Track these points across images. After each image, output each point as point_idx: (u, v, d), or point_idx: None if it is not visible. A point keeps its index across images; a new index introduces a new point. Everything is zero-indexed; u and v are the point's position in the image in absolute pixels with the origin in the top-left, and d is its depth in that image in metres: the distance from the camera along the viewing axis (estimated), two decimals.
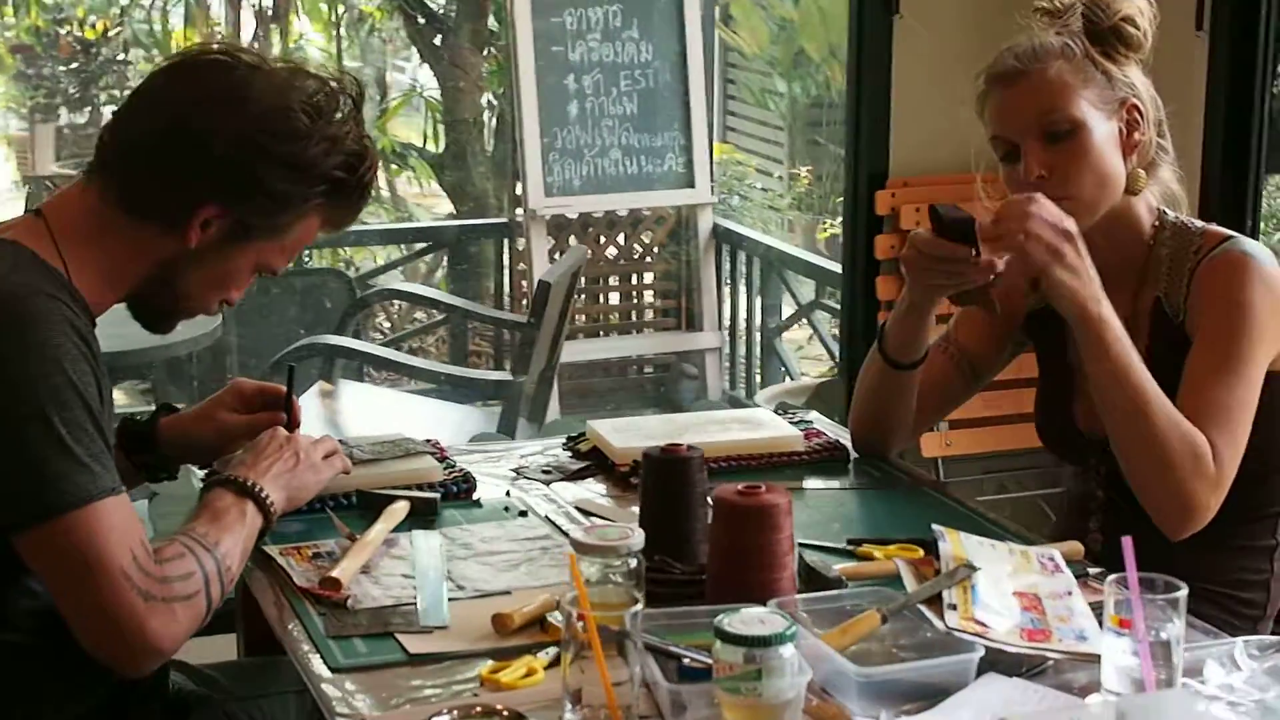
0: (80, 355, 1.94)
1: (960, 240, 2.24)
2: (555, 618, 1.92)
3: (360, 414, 4.79)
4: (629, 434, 2.59)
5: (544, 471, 2.56)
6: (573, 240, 6.39)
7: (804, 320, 6.47)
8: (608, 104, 6.29)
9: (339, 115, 2.09)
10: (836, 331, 5.40)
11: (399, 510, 2.29)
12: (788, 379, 6.37)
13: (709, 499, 2.08)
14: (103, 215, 2.05)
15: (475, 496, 2.43)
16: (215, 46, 2.11)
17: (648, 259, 6.70)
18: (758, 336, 6.53)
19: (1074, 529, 2.47)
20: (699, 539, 2.12)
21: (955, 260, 2.26)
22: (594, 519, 2.34)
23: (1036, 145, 2.34)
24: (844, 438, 2.67)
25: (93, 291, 2.04)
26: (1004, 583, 2.00)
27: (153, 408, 2.46)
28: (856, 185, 4.23)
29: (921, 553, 2.16)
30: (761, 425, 2.66)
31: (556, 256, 6.06)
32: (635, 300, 6.74)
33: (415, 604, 2.03)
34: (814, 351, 6.93)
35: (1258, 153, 3.88)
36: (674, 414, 2.79)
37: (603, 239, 6.62)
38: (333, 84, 2.11)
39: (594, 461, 2.58)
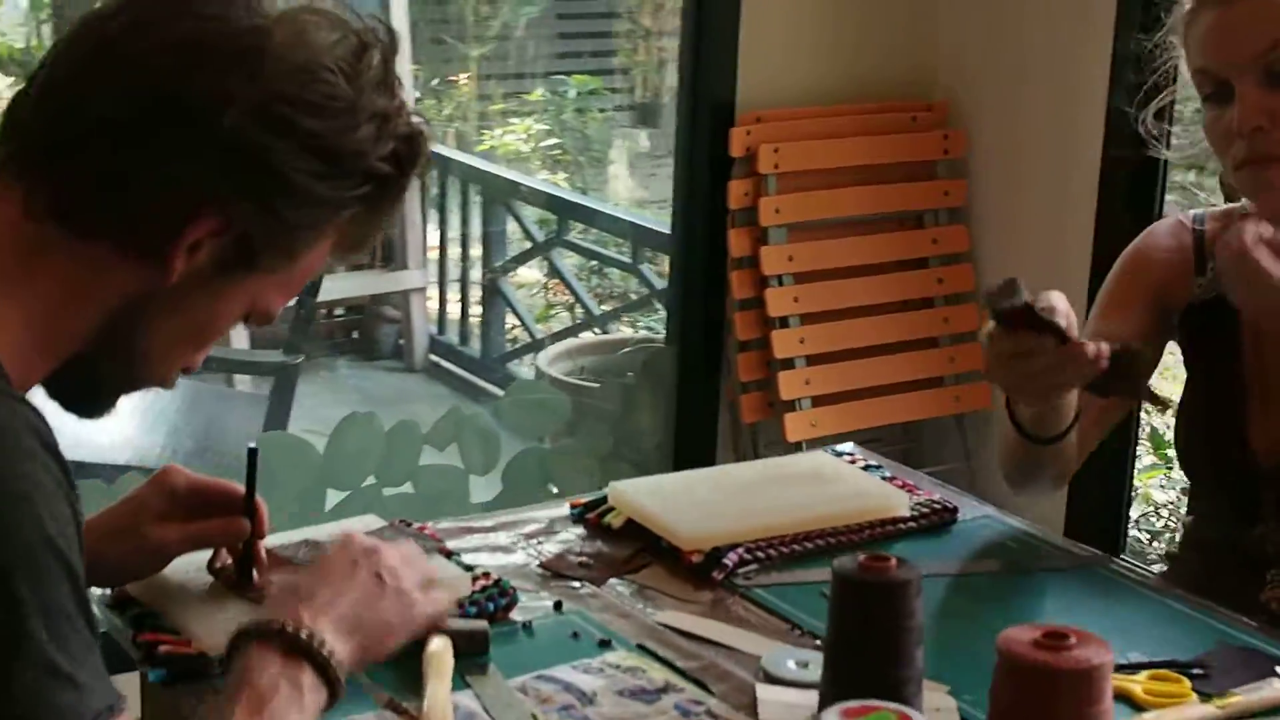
0: (55, 486, 1.21)
1: (1029, 328, 1.68)
2: None
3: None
4: (679, 503, 1.91)
5: (582, 565, 1.85)
6: None
7: (542, 260, 5.78)
8: None
9: (375, 77, 1.34)
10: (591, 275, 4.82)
11: (444, 656, 1.55)
12: (523, 330, 5.69)
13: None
14: (27, 238, 1.28)
15: (514, 615, 1.71)
16: None
17: None
18: (476, 276, 5.80)
19: (1230, 586, 1.91)
20: (914, 687, 1.49)
21: (1030, 355, 1.69)
22: (705, 642, 1.67)
23: (1256, 86, 1.81)
24: (949, 493, 2.04)
25: (16, 360, 1.27)
26: None
27: None
28: (696, 121, 3.58)
29: (1188, 685, 1.58)
30: (841, 479, 2.01)
31: None
32: None
33: None
34: (559, 298, 6.23)
35: None
36: (717, 469, 2.07)
37: None
38: (356, 29, 1.35)
39: (641, 544, 1.89)
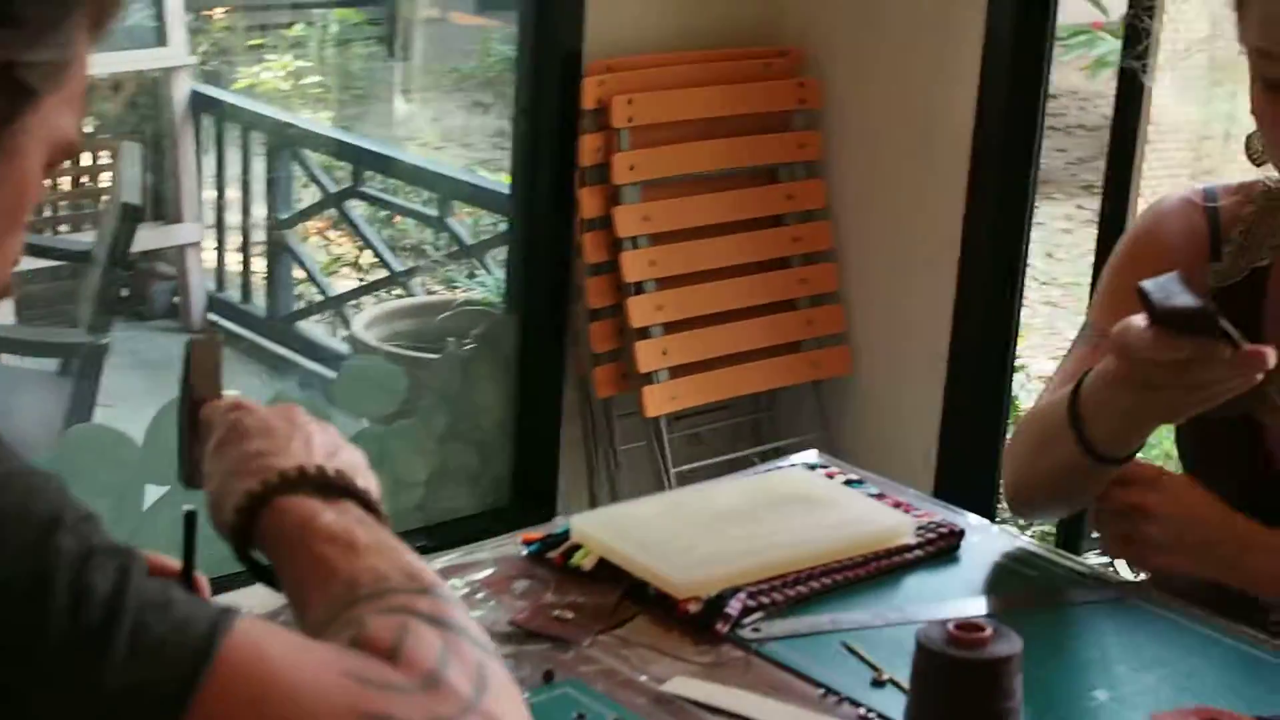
0: None
1: (1201, 333, 1.45)
2: None
3: None
4: (658, 539, 1.65)
5: (559, 620, 1.56)
6: None
7: (334, 212, 5.39)
8: None
9: None
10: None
11: None
12: (315, 287, 5.30)
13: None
14: None
15: None
16: None
17: (102, 135, 5.39)
18: (260, 232, 5.38)
19: (1240, 605, 1.72)
20: None
21: (1204, 363, 1.47)
22: (728, 716, 1.41)
23: None
24: (948, 513, 1.81)
25: None
26: None
27: None
28: (541, 68, 3.28)
29: None
30: (836, 503, 1.75)
31: None
32: (91, 185, 5.43)
33: None
34: (352, 253, 5.83)
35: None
36: (686, 493, 1.80)
37: None
38: None
39: (622, 588, 1.61)
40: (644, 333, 3.30)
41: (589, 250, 3.28)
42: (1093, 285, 3.16)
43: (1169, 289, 1.47)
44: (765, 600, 1.59)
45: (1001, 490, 1.80)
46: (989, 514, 3.40)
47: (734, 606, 1.56)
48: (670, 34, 3.38)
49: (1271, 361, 1.46)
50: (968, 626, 1.28)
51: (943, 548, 1.72)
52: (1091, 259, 3.21)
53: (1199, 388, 1.50)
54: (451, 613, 0.98)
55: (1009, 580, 1.69)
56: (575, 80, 3.23)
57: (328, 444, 1.16)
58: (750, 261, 3.46)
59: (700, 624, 1.55)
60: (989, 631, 1.27)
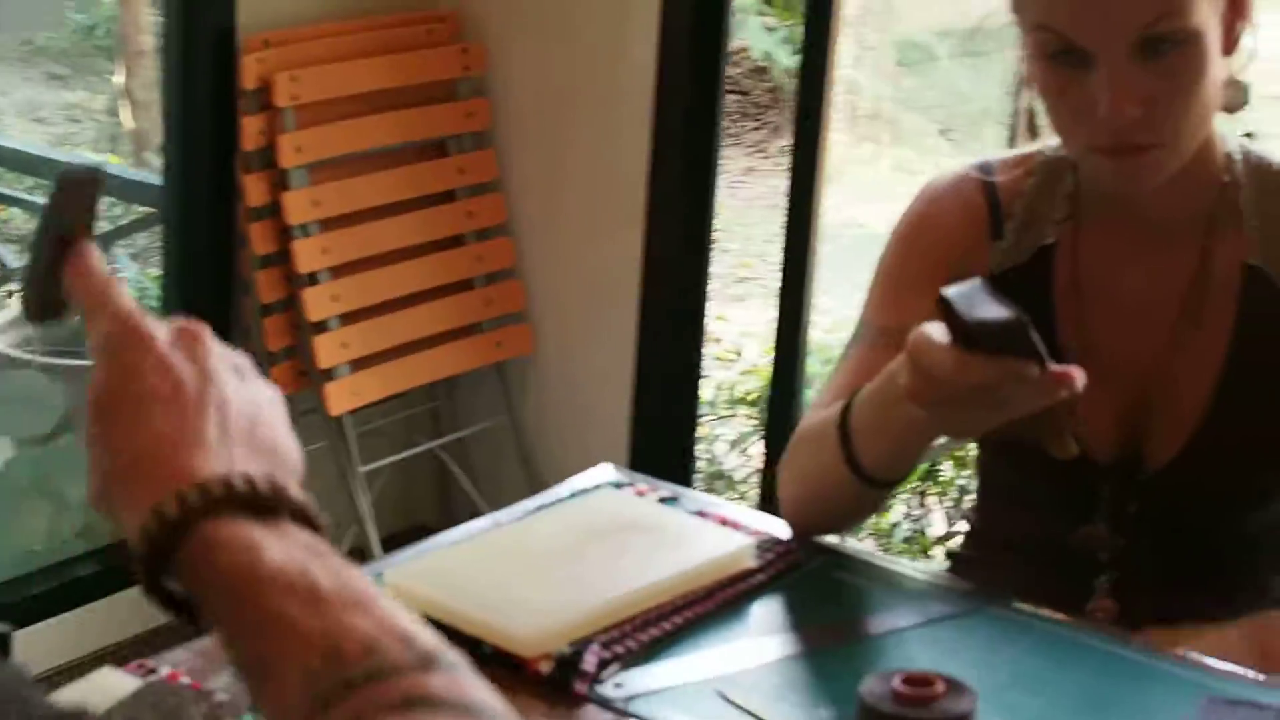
0: None
1: (1009, 351, 1.33)
2: None
3: None
4: (485, 588, 1.46)
5: None
6: None
7: None
8: None
9: None
10: None
11: None
12: None
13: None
14: None
15: None
16: None
17: None
18: None
19: (1059, 590, 1.65)
20: None
21: (1011, 383, 1.35)
22: None
23: (1128, 62, 1.50)
24: (770, 527, 1.67)
25: None
26: None
27: None
28: (191, 47, 3.01)
29: None
30: (665, 528, 1.59)
31: None
32: None
33: None
34: None
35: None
36: (497, 529, 1.62)
37: None
38: None
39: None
40: (321, 326, 3.07)
41: (256, 241, 3.03)
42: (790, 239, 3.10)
43: (973, 298, 1.35)
44: (619, 649, 1.42)
45: (781, 511, 1.67)
46: (686, 483, 3.32)
47: (590, 661, 1.39)
48: (329, 4, 3.14)
49: (1080, 384, 1.36)
50: (916, 681, 1.15)
51: (783, 569, 1.58)
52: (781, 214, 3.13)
53: (999, 407, 1.38)
54: (471, 691, 0.78)
55: (858, 597, 1.57)
56: (230, 58, 2.96)
57: (246, 414, 0.93)
58: (426, 241, 3.26)
59: (555, 685, 1.38)
60: (940, 687, 1.14)
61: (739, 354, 4.29)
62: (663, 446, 3.29)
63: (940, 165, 7.34)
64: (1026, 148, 1.78)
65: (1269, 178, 1.66)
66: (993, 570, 1.75)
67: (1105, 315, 1.68)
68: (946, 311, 1.33)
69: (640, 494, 1.69)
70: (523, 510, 1.67)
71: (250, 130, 2.98)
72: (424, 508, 3.55)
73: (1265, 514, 1.70)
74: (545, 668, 1.39)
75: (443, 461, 3.43)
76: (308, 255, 3.04)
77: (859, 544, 1.90)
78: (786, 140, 3.13)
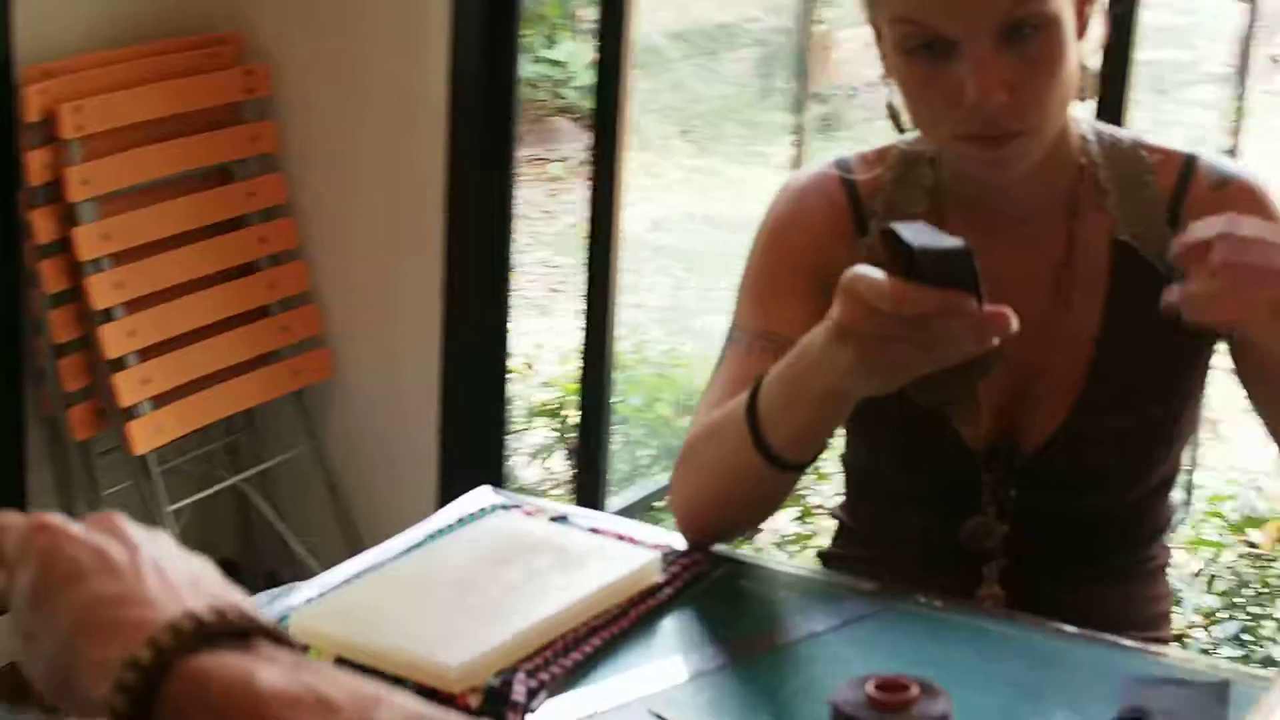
0: None
1: (952, 284, 1.32)
2: None
3: None
4: (396, 620, 1.42)
5: None
6: None
7: None
8: None
9: None
10: None
11: None
12: None
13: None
14: None
15: None
16: None
17: None
18: None
19: (945, 581, 1.68)
20: None
21: (954, 317, 1.33)
22: None
23: (992, 50, 1.52)
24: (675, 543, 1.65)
25: None
26: None
27: None
28: None
29: None
30: (569, 548, 1.56)
31: None
32: None
33: None
34: None
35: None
36: (393, 559, 1.58)
37: None
38: None
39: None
40: (119, 363, 2.96)
41: (47, 279, 2.91)
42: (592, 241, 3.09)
43: (918, 232, 1.33)
44: (545, 676, 1.39)
45: (675, 519, 1.66)
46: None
47: (519, 691, 1.36)
48: (108, 30, 3.03)
49: (1014, 326, 1.34)
50: (889, 685, 1.14)
51: (689, 581, 1.57)
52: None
53: (929, 348, 1.34)
54: None
55: (768, 604, 1.57)
56: (9, 90, 2.84)
57: (182, 569, 0.88)
58: (219, 270, 3.17)
59: (485, 717, 1.35)
60: (915, 690, 1.14)
61: (530, 365, 4.27)
62: (473, 464, 3.25)
63: (683, 166, 7.38)
64: (880, 144, 1.80)
65: (1121, 154, 1.70)
66: (871, 566, 1.75)
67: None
68: (890, 243, 1.33)
69: (529, 514, 1.66)
70: (409, 540, 1.62)
71: (35, 165, 2.86)
72: (228, 543, 3.45)
73: (1141, 487, 1.74)
74: (474, 701, 1.35)
75: (245, 495, 3.34)
76: (101, 291, 2.93)
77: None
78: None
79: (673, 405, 3.73)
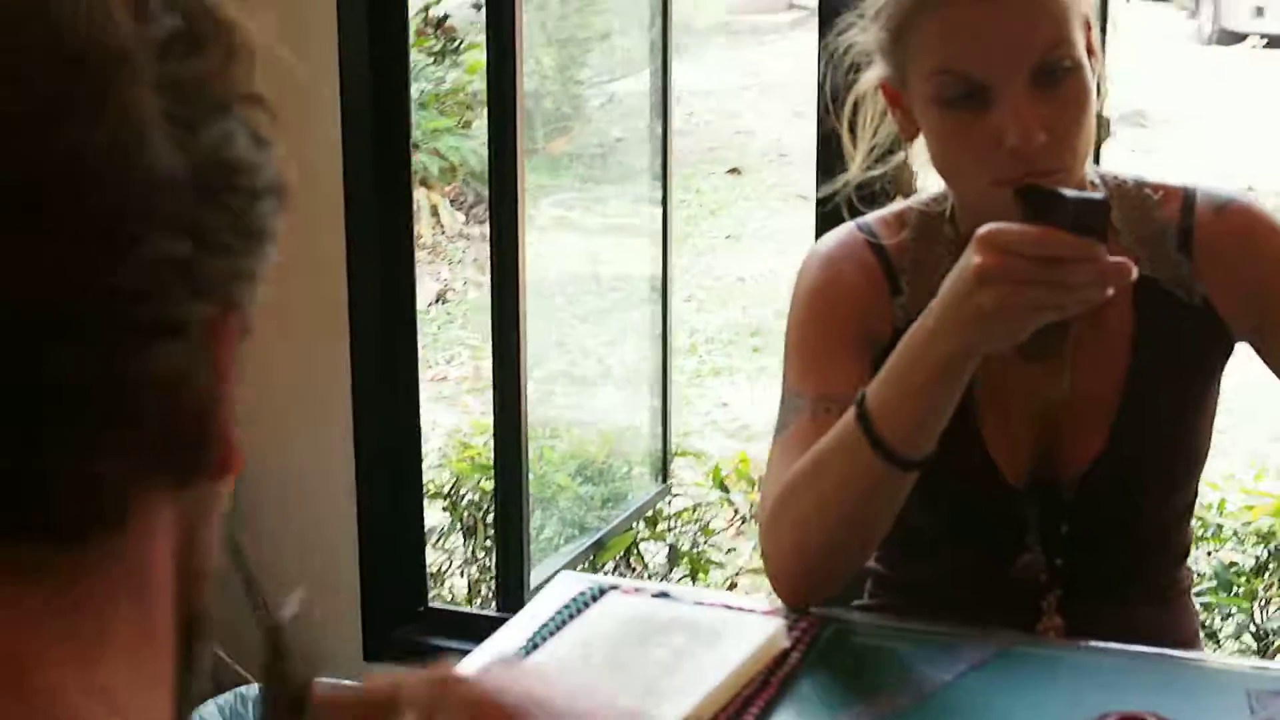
0: None
1: (1089, 231, 1.45)
2: None
3: None
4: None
5: None
6: None
7: None
8: None
9: None
10: None
11: None
12: None
13: None
14: None
15: None
16: None
17: None
18: None
19: (1004, 620, 1.74)
20: None
21: (1087, 262, 1.45)
22: None
23: (1027, 93, 1.60)
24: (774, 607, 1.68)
25: None
26: None
27: None
28: None
29: None
30: (699, 627, 1.57)
31: None
32: None
33: None
34: None
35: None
36: (546, 647, 1.59)
37: None
38: None
39: None
40: None
41: None
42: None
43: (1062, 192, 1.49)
44: None
45: (772, 583, 1.70)
46: (423, 591, 3.26)
47: None
48: None
49: (1134, 275, 1.46)
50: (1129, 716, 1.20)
51: (810, 643, 1.61)
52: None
53: (1063, 292, 1.45)
54: None
55: (888, 658, 1.61)
56: None
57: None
58: None
59: None
60: None
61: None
62: (391, 563, 3.23)
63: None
64: (894, 206, 1.86)
65: (1127, 193, 1.79)
66: (919, 610, 1.81)
67: (1007, 349, 1.77)
68: (1035, 197, 1.47)
69: (629, 594, 1.68)
70: (520, 632, 1.62)
71: None
72: None
73: (1173, 508, 1.83)
74: None
75: None
76: None
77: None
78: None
79: (570, 472, 3.74)
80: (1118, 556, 1.80)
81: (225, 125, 0.60)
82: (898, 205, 1.85)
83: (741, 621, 1.60)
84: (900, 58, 1.67)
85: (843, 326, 1.77)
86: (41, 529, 0.58)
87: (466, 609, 3.63)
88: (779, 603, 1.69)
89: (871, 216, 1.84)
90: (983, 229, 1.47)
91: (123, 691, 0.59)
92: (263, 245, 0.62)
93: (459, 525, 3.75)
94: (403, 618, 3.23)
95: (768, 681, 1.52)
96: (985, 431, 1.75)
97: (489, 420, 3.20)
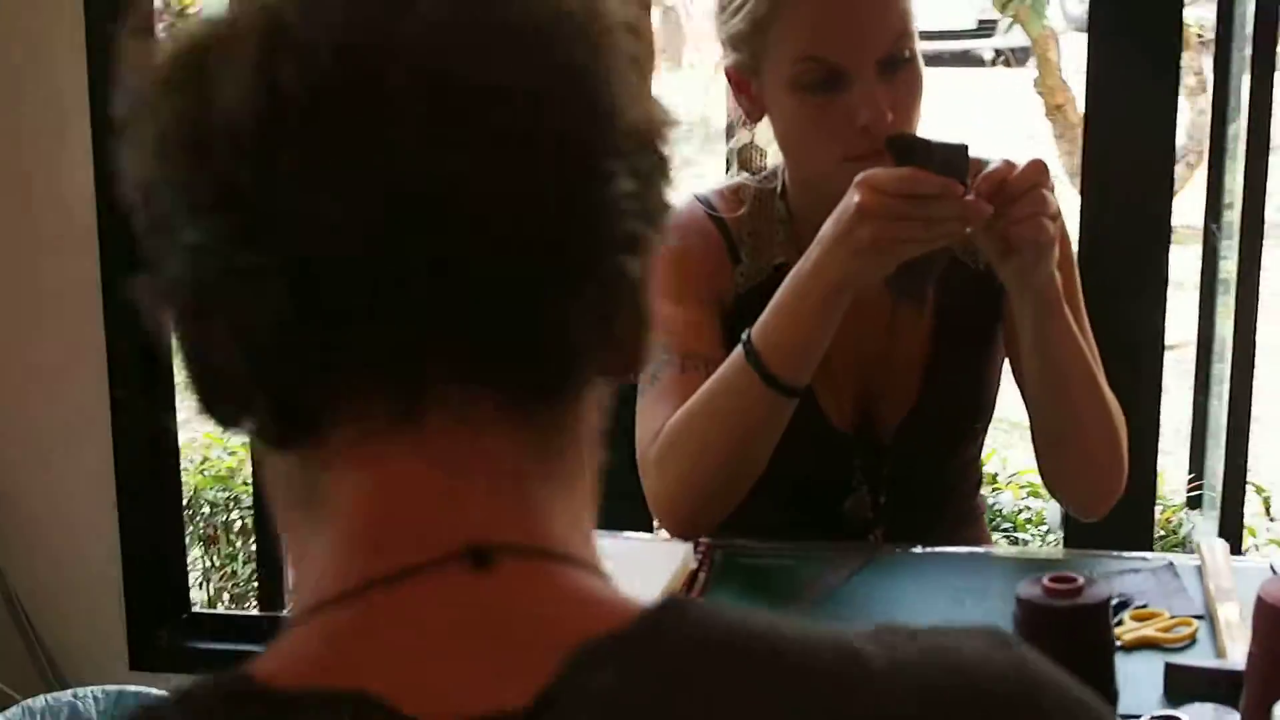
0: None
1: (951, 175, 1.69)
2: None
3: None
4: None
5: None
6: None
7: None
8: None
9: None
10: None
11: None
12: None
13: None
14: None
15: None
16: None
17: None
18: None
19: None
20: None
21: (952, 200, 1.68)
22: None
23: (877, 78, 1.83)
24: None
25: None
26: None
27: None
28: None
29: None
30: (613, 558, 1.73)
31: None
32: None
33: None
34: None
35: None
36: None
37: None
38: None
39: None
40: None
41: None
42: None
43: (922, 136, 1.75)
44: None
45: (661, 519, 1.87)
46: (185, 598, 3.29)
47: None
48: None
49: (988, 212, 1.68)
50: (1061, 580, 1.41)
51: (710, 565, 1.79)
52: None
53: (931, 227, 1.68)
54: None
55: (784, 574, 1.80)
56: None
57: None
58: None
59: None
60: (1081, 580, 1.41)
61: None
62: (155, 574, 3.25)
63: None
64: (729, 181, 2.05)
65: None
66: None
67: (878, 281, 1.88)
68: (904, 144, 1.70)
69: None
70: None
71: None
72: None
73: (974, 448, 2.09)
74: None
75: None
76: None
77: None
78: None
79: None
80: (930, 491, 2.04)
81: (651, 90, 0.77)
82: (733, 180, 2.04)
83: (654, 549, 1.77)
84: (756, 47, 1.85)
85: (696, 292, 1.94)
86: (538, 386, 0.75)
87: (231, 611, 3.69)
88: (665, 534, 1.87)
89: (709, 190, 2.02)
90: (861, 175, 1.67)
91: (583, 523, 0.78)
92: (670, 186, 0.79)
93: (198, 537, 3.76)
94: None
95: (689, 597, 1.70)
96: (814, 384, 1.95)
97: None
